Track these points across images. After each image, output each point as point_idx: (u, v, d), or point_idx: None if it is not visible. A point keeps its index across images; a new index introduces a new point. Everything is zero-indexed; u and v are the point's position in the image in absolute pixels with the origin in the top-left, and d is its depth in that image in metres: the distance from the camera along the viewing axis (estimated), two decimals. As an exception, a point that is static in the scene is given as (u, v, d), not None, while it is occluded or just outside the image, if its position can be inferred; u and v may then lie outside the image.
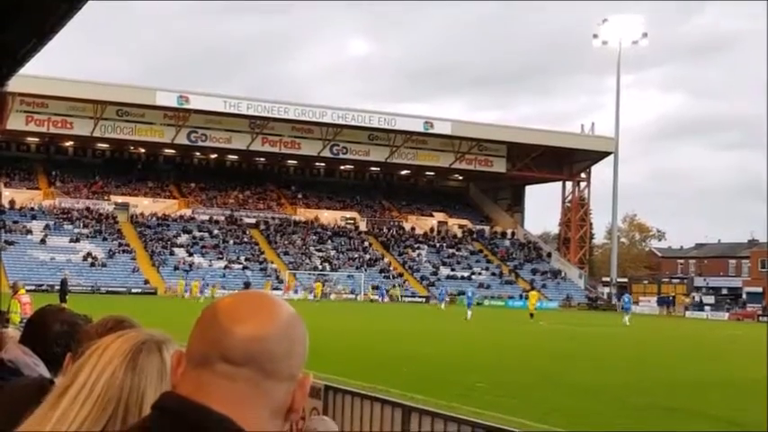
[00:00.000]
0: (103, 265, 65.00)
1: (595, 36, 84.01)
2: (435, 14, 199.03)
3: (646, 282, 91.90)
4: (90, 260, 65.37)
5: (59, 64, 67.79)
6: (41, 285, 53.63)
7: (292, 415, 1.17)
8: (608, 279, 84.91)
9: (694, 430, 12.49)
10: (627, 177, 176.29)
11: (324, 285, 67.32)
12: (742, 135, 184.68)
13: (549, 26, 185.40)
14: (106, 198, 75.91)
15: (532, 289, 65.48)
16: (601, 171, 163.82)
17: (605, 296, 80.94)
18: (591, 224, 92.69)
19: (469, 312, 43.08)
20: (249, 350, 1.12)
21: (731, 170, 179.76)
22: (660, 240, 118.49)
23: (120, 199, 76.10)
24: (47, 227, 68.22)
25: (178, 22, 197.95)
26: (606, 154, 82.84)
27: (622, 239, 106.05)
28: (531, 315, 45.69)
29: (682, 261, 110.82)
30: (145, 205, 76.43)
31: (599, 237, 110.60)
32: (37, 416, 1.24)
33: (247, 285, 65.02)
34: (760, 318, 68.19)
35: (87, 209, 72.93)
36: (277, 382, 1.14)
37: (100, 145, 77.24)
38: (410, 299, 69.88)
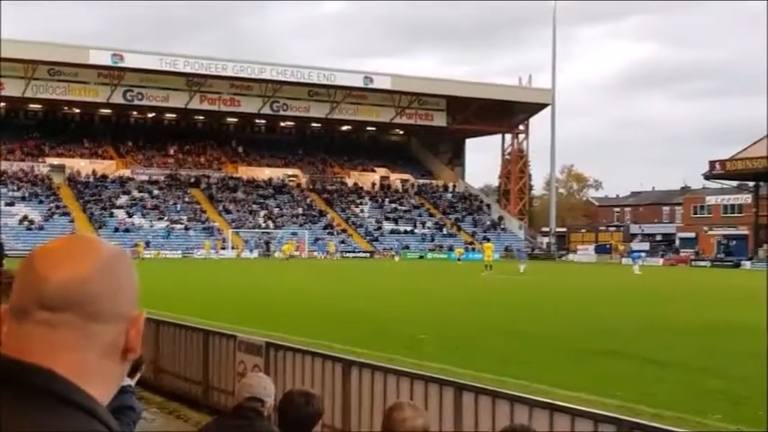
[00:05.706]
0: (41, 228, 63.90)
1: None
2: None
3: (584, 230, 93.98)
4: (26, 223, 64.18)
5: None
6: (-23, 251, 52.56)
7: (130, 354, 1.15)
8: (547, 229, 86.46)
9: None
10: (586, 128, 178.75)
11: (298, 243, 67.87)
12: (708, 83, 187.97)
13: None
14: (41, 160, 74.31)
15: (487, 241, 66.47)
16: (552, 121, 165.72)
17: (544, 246, 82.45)
18: (530, 176, 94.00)
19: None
20: (67, 294, 1.09)
21: (689, 119, 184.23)
22: (597, 190, 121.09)
23: (55, 161, 74.54)
24: (-20, 191, 66.67)
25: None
26: (543, 106, 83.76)
27: (560, 190, 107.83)
28: (490, 267, 46.56)
29: (618, 209, 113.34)
30: (81, 166, 75.03)
31: (538, 188, 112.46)
32: None
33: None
34: (692, 262, 70.45)
35: (21, 171, 71.37)
36: (103, 323, 1.11)
37: (32, 106, 75.38)
38: (353, 254, 70.09)
